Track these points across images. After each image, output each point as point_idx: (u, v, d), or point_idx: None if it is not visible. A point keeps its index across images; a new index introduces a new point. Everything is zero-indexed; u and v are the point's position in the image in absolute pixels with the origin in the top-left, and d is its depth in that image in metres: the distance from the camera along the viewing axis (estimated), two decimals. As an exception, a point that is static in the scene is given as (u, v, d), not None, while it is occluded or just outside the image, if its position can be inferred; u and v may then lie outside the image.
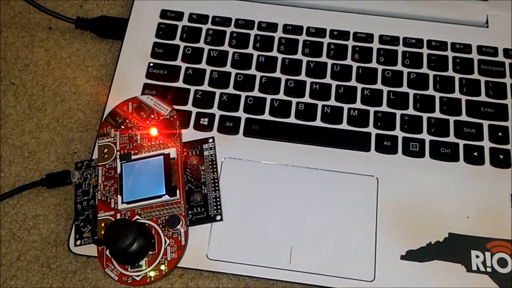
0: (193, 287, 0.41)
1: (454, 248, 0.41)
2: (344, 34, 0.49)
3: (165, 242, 0.39)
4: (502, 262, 0.40)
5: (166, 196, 0.40)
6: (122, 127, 0.43)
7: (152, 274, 0.38)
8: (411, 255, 0.41)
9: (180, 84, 0.47)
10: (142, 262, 0.39)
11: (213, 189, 0.42)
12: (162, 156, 0.41)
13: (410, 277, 0.40)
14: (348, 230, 0.41)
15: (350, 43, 0.49)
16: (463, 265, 0.40)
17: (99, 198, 0.41)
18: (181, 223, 0.39)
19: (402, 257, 0.41)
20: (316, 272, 0.40)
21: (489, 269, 0.40)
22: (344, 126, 0.45)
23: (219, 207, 0.41)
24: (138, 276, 0.38)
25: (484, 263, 0.40)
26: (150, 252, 0.39)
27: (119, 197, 0.40)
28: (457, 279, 0.40)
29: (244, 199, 0.42)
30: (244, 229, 0.41)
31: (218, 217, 0.41)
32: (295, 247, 0.41)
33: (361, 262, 0.40)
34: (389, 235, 0.41)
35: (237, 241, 0.41)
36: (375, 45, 0.49)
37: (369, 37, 0.49)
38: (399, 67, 0.48)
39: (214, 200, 0.41)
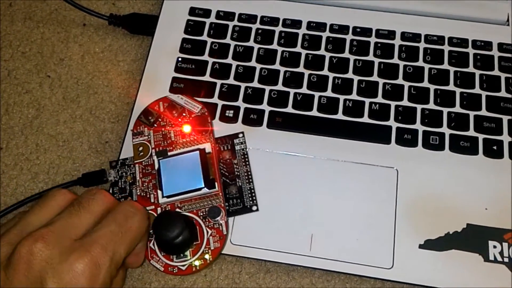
0: (216, 271, 0.43)
1: (472, 239, 0.42)
2: (366, 31, 0.51)
3: (207, 232, 0.41)
4: (519, 253, 0.41)
5: (205, 188, 0.41)
6: (155, 125, 0.45)
7: (197, 263, 0.40)
8: (429, 244, 0.42)
9: (207, 78, 0.49)
10: (187, 253, 0.40)
11: (247, 181, 0.44)
12: (198, 151, 0.42)
13: (428, 265, 0.41)
14: (368, 219, 0.43)
15: (373, 39, 0.50)
16: (480, 255, 0.41)
17: (138, 194, 0.42)
18: (221, 214, 0.41)
19: (421, 246, 0.42)
20: (336, 259, 0.41)
21: (506, 259, 0.41)
22: (366, 119, 0.47)
23: (254, 198, 0.43)
24: (183, 265, 0.40)
25: (501, 253, 0.41)
26: (194, 243, 0.40)
27: (159, 192, 0.42)
28: (474, 268, 0.41)
29: (267, 188, 0.44)
30: (266, 216, 0.43)
31: (254, 208, 0.43)
32: (316, 234, 0.42)
33: (380, 250, 0.42)
34: (408, 224, 0.42)
35: (259, 227, 0.43)
36: (397, 41, 0.50)
37: (391, 34, 0.50)
38: (420, 63, 0.49)
39: (249, 191, 0.43)
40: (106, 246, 0.34)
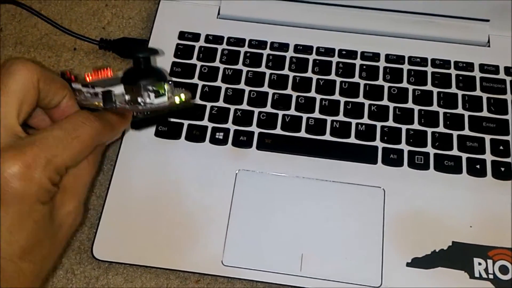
0: (209, 292, 0.43)
1: (458, 256, 0.43)
2: (352, 54, 0.52)
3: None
4: (504, 269, 0.42)
5: None
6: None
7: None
8: (416, 262, 0.43)
9: (197, 100, 0.50)
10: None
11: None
12: None
13: (415, 283, 0.42)
14: (356, 238, 0.44)
15: (358, 62, 0.52)
16: (466, 272, 0.42)
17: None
18: None
19: (408, 264, 0.43)
20: (326, 278, 0.42)
21: (491, 276, 0.42)
22: (352, 140, 0.48)
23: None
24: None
25: (486, 270, 0.42)
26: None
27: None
28: (460, 285, 0.42)
29: (257, 209, 0.45)
30: (257, 237, 0.44)
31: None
32: (306, 254, 0.43)
33: (369, 269, 0.42)
34: (395, 243, 0.43)
35: (251, 248, 0.43)
36: (382, 63, 0.52)
37: (375, 56, 0.52)
38: (404, 84, 0.50)
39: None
40: (44, 149, 0.32)
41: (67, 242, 0.36)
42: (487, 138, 0.48)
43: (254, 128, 0.49)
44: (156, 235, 0.44)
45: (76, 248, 0.45)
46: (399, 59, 0.52)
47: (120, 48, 0.54)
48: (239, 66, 0.52)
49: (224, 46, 0.53)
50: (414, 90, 0.50)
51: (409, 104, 0.49)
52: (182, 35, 0.53)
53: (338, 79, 0.51)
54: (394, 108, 0.49)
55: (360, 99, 0.50)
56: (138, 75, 0.37)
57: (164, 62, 0.52)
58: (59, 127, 0.34)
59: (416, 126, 0.48)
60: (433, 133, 0.48)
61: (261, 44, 0.53)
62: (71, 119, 0.35)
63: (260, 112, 0.49)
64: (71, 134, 0.34)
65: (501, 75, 0.51)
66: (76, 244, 0.45)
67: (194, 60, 0.52)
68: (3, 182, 0.31)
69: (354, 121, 0.49)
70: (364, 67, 0.51)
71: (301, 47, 0.53)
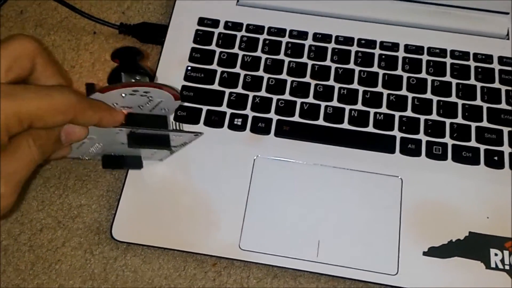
0: (225, 276, 0.44)
1: (474, 246, 0.43)
2: (371, 43, 0.52)
3: None
4: (520, 260, 0.42)
5: None
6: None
7: None
8: (433, 252, 0.43)
9: (216, 86, 0.50)
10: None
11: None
12: None
13: (431, 272, 0.42)
14: (373, 226, 0.44)
15: (377, 51, 0.52)
16: (482, 262, 0.42)
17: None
18: None
19: (424, 253, 0.43)
20: (342, 265, 0.43)
21: (507, 267, 0.42)
22: (370, 129, 0.48)
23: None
24: None
25: (502, 261, 0.42)
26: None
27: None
28: (476, 275, 0.42)
29: (274, 195, 0.45)
30: (274, 223, 0.44)
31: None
32: (323, 241, 0.43)
33: (385, 257, 0.43)
34: (412, 232, 0.44)
35: (268, 233, 0.44)
36: (401, 53, 0.52)
37: (395, 46, 0.52)
38: (423, 74, 0.50)
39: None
40: (14, 89, 0.32)
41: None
42: (505, 130, 0.48)
43: (272, 115, 0.49)
44: (175, 218, 0.44)
45: (95, 229, 0.45)
46: (418, 49, 0.52)
47: (140, 33, 0.54)
48: (258, 53, 0.52)
49: (243, 33, 0.53)
50: (433, 81, 0.50)
51: (428, 95, 0.49)
52: (201, 21, 0.54)
53: (357, 68, 0.51)
54: (413, 98, 0.49)
55: (379, 88, 0.50)
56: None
57: (183, 47, 0.52)
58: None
59: (434, 116, 0.48)
60: (451, 124, 0.48)
61: (280, 32, 0.53)
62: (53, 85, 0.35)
63: (278, 99, 0.49)
64: (45, 90, 0.33)
65: (521, 68, 0.51)
66: (95, 225, 0.46)
67: (213, 46, 0.52)
68: None
69: (372, 110, 0.49)
70: (383, 56, 0.51)
71: (320, 36, 0.53)
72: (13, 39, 0.34)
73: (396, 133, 0.48)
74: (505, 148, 0.47)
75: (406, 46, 0.52)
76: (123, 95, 0.37)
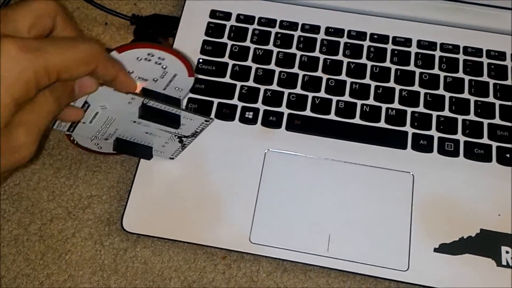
0: (235, 269, 0.44)
1: (485, 243, 0.43)
2: (383, 38, 0.52)
3: None
4: (532, 258, 0.42)
5: None
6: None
7: None
8: (444, 248, 0.43)
9: (227, 79, 0.50)
10: None
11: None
12: None
13: (442, 268, 0.42)
14: (384, 222, 0.44)
15: (390, 46, 0.51)
16: (493, 259, 0.42)
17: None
18: None
19: (435, 250, 0.43)
20: (352, 260, 0.42)
21: (518, 264, 0.42)
22: (382, 124, 0.48)
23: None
24: None
25: (514, 258, 0.42)
26: None
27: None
28: (487, 272, 0.42)
29: (285, 189, 0.45)
30: (285, 216, 0.44)
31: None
32: (333, 235, 0.43)
33: (396, 253, 0.43)
34: (423, 228, 0.43)
35: (278, 227, 0.44)
36: (413, 49, 0.51)
37: (407, 42, 0.52)
38: (436, 70, 0.50)
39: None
40: (42, 42, 0.31)
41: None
42: (518, 127, 0.48)
43: (283, 109, 0.49)
44: (185, 210, 0.44)
45: (105, 220, 0.45)
46: (431, 45, 0.51)
47: (152, 25, 0.54)
48: (270, 46, 0.52)
49: (255, 26, 0.53)
50: (445, 77, 0.50)
51: (440, 91, 0.49)
52: (213, 13, 0.53)
53: (369, 63, 0.51)
54: (425, 94, 0.49)
55: (391, 83, 0.50)
56: None
57: (195, 40, 0.52)
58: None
59: (446, 113, 0.48)
60: (463, 120, 0.48)
61: (292, 26, 0.53)
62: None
63: (290, 93, 0.49)
64: (71, 42, 0.32)
65: (534, 65, 0.51)
66: (105, 216, 0.46)
67: (225, 39, 0.52)
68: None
69: (384, 106, 0.48)
70: (396, 52, 0.51)
71: (332, 30, 0.52)
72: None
73: (408, 128, 0.48)
74: (518, 146, 0.47)
75: (419, 41, 0.52)
76: (139, 58, 0.37)
